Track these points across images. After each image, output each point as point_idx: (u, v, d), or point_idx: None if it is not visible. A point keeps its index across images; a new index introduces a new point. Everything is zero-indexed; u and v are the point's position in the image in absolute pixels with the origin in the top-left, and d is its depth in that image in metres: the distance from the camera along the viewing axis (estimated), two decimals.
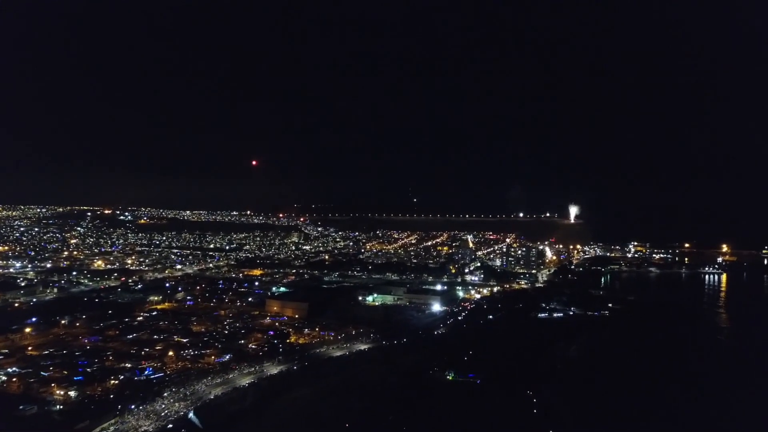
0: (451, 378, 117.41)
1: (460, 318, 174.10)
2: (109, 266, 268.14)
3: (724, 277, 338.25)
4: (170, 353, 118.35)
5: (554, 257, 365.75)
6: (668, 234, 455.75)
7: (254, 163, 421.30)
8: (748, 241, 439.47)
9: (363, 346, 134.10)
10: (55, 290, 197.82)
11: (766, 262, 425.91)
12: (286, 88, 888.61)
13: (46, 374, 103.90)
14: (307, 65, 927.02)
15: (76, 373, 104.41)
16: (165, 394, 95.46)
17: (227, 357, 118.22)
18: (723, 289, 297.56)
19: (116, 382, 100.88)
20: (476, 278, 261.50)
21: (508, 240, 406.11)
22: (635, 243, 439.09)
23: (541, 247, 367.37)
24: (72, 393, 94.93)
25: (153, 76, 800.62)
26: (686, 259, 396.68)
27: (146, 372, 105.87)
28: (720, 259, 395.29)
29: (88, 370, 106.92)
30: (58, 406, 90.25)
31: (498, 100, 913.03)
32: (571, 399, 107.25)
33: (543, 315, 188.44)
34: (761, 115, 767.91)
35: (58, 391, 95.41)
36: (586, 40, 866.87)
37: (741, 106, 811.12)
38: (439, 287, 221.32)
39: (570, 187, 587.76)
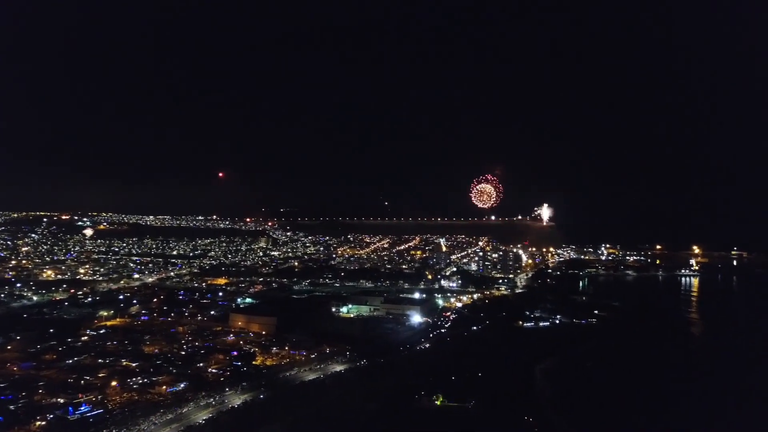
0: (439, 403, 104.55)
1: (443, 330, 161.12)
2: (59, 276, 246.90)
3: (697, 279, 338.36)
4: (114, 383, 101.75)
5: (530, 261, 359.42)
6: (638, 236, 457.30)
7: (221, 174, 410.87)
8: (717, 243, 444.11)
9: (339, 367, 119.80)
10: None
11: (735, 263, 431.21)
12: (253, 89, 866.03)
13: None
14: (275, 66, 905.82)
15: None
16: None
17: (182, 385, 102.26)
18: (702, 291, 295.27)
19: (44, 423, 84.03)
20: (454, 284, 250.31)
21: (481, 243, 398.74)
22: (607, 245, 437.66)
23: (515, 251, 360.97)
24: None
25: (112, 77, 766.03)
26: (658, 261, 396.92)
27: (82, 408, 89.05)
28: (692, 261, 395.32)
29: (11, 407, 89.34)
30: None
31: (468, 103, 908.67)
32: (577, 425, 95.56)
33: (529, 324, 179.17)
34: (729, 118, 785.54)
35: None
36: (562, 43, 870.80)
37: (709, 108, 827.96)
38: (417, 296, 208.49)
39: (541, 190, 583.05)
